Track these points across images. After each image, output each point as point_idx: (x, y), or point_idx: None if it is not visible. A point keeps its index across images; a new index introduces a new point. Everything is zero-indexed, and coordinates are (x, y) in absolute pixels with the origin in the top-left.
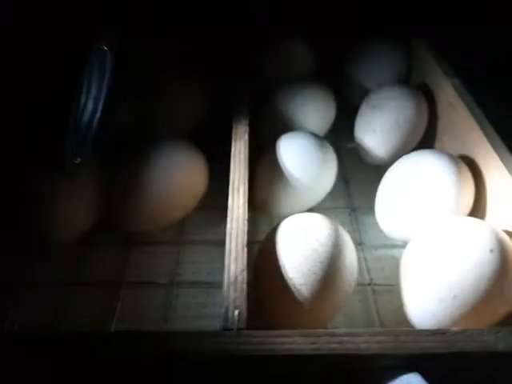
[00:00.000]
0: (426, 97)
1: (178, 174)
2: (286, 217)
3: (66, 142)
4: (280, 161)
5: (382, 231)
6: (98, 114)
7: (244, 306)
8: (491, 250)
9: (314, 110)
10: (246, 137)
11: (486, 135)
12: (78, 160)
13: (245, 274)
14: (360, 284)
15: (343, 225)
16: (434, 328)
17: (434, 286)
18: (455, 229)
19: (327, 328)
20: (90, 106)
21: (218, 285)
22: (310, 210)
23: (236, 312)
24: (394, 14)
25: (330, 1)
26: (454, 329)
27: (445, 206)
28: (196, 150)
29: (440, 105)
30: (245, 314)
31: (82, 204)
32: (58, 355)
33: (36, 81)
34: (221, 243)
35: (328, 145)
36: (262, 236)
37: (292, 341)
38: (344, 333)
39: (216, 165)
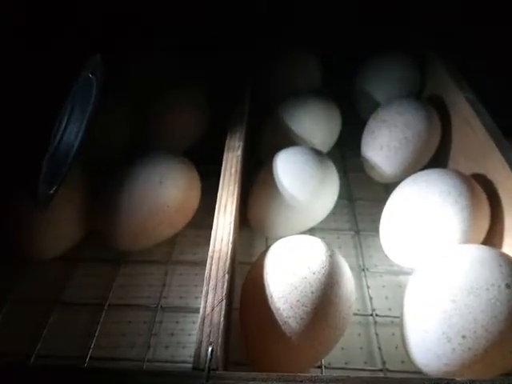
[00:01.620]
0: (441, 112)
1: (170, 191)
2: (282, 238)
3: (41, 174)
4: (275, 178)
5: (387, 256)
6: (79, 140)
7: (220, 341)
8: (507, 285)
9: (317, 125)
10: (239, 152)
11: (505, 156)
12: (54, 189)
13: (223, 304)
14: (361, 314)
15: (346, 248)
16: (439, 373)
17: (440, 323)
18: (466, 258)
19: (320, 364)
20: (71, 130)
21: None
22: (310, 231)
23: (209, 349)
24: (408, 25)
25: (342, 12)
26: (459, 379)
27: (455, 231)
28: (189, 166)
29: (455, 121)
30: (219, 351)
31: (69, 219)
32: None
33: (16, 105)
34: None
35: (329, 161)
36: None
37: None
38: (330, 378)
39: (212, 180)
